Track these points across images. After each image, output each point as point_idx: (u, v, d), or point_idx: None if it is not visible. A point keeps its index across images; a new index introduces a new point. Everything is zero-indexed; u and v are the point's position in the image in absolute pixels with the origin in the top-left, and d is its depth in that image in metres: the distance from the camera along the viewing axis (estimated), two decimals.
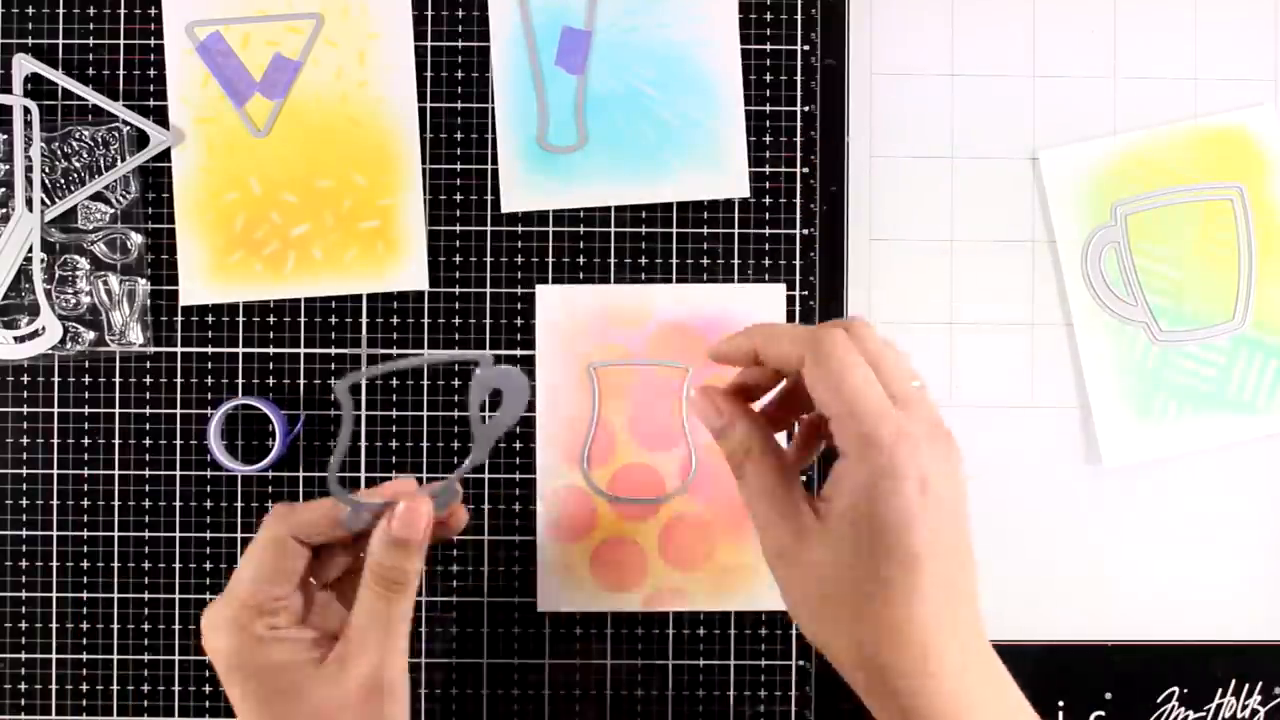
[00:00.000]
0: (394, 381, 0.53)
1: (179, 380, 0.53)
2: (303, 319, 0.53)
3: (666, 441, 0.53)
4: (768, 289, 0.53)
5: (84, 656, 0.53)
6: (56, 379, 0.53)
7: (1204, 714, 0.54)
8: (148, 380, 0.53)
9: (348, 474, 0.53)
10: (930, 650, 0.34)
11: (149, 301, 0.53)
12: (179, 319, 0.53)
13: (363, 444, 0.53)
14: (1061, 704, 0.54)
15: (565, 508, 0.53)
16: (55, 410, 0.53)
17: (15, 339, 0.52)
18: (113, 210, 0.53)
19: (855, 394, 0.35)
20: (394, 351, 0.53)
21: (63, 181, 0.53)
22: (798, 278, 0.53)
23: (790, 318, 0.53)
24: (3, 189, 0.52)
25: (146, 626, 0.53)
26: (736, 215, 0.54)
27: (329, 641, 0.40)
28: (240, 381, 0.53)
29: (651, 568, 0.53)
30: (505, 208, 0.53)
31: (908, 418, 0.35)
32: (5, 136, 0.52)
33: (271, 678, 0.38)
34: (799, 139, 0.54)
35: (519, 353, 0.53)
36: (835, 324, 0.37)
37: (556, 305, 0.53)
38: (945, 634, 0.35)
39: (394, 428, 0.53)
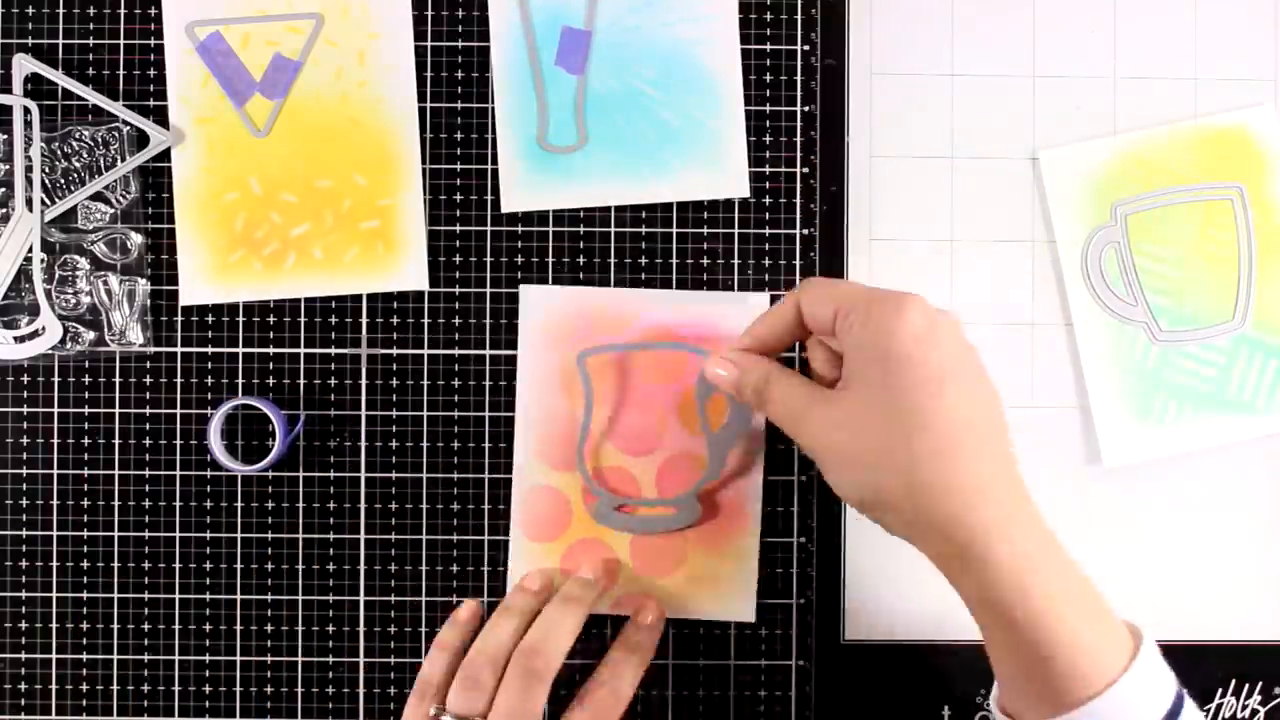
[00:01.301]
0: (394, 382, 0.53)
1: (179, 380, 0.53)
2: (303, 319, 0.53)
3: (645, 447, 0.53)
4: (754, 297, 0.53)
5: (84, 656, 0.53)
6: (56, 379, 0.53)
7: (1204, 714, 0.54)
8: (148, 380, 0.53)
9: (349, 474, 0.53)
10: (966, 470, 0.38)
11: (149, 301, 0.53)
12: (179, 319, 0.53)
13: (363, 444, 0.53)
14: None
15: (539, 508, 0.53)
16: (55, 410, 0.53)
17: (15, 339, 0.52)
18: (113, 210, 0.53)
19: (848, 292, 0.42)
20: (394, 352, 0.53)
21: (63, 181, 0.53)
22: (798, 278, 0.53)
23: None
24: (3, 189, 0.52)
25: (146, 626, 0.53)
26: (736, 215, 0.54)
27: None
28: (240, 381, 0.53)
29: (621, 572, 0.53)
30: (505, 208, 0.53)
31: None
32: (5, 136, 0.52)
33: None
34: (799, 139, 0.54)
35: (517, 353, 0.53)
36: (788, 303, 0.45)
37: (540, 305, 0.53)
38: (981, 459, 0.39)
39: (394, 428, 0.53)
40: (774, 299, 0.53)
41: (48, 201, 0.52)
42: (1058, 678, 0.38)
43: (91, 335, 0.53)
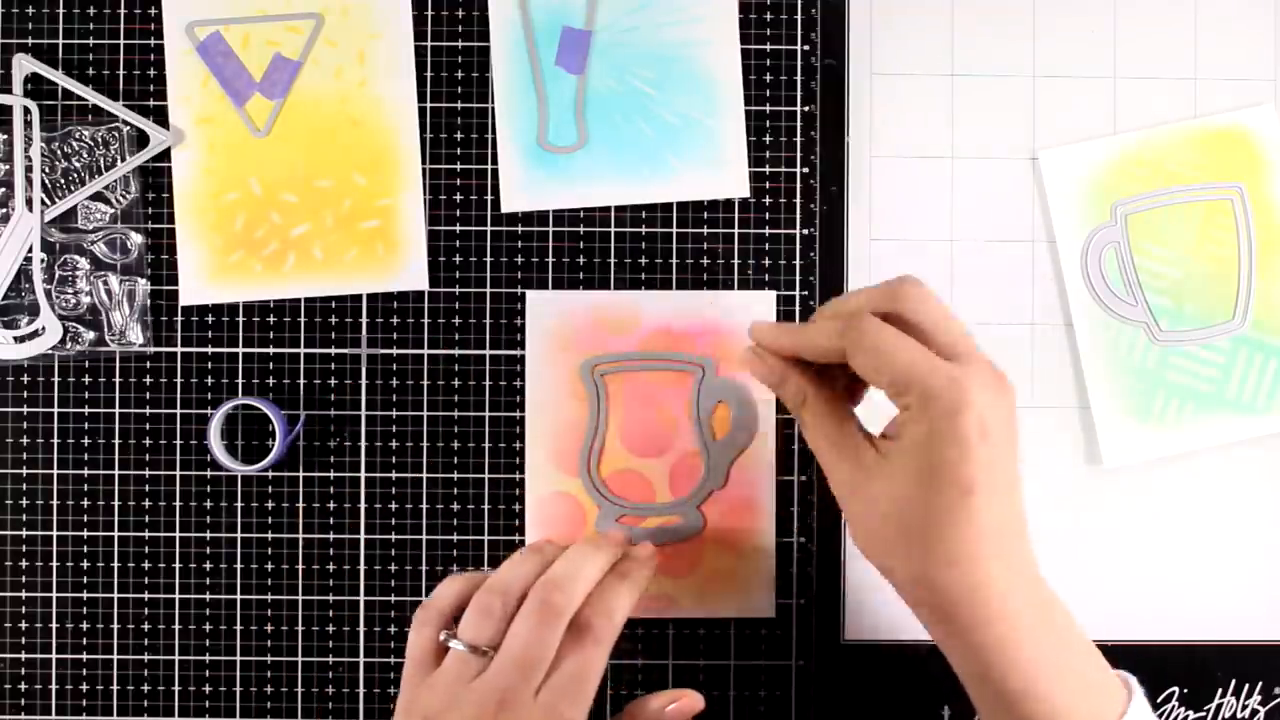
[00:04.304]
0: (394, 382, 0.53)
1: (179, 380, 0.53)
2: (303, 319, 0.53)
3: (655, 448, 0.53)
4: (758, 294, 0.53)
5: (84, 656, 0.53)
6: (56, 379, 0.53)
7: (1204, 714, 0.54)
8: (148, 380, 0.53)
9: (349, 474, 0.53)
10: (979, 572, 0.38)
11: (149, 301, 0.53)
12: (179, 319, 0.53)
13: (363, 444, 0.53)
14: None
15: (554, 513, 0.53)
16: (55, 410, 0.53)
17: (15, 339, 0.52)
18: (113, 210, 0.53)
19: (903, 370, 0.39)
20: (394, 352, 0.53)
21: (63, 181, 0.53)
22: (798, 278, 0.53)
23: (783, 318, 0.53)
24: (3, 189, 0.52)
25: (146, 626, 0.53)
26: (736, 215, 0.54)
27: None
28: (240, 381, 0.53)
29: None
30: (505, 208, 0.53)
31: (961, 368, 0.39)
32: (5, 136, 0.52)
33: None
34: (799, 139, 0.54)
35: (518, 352, 0.53)
36: (873, 297, 0.41)
37: (546, 310, 0.53)
38: (994, 558, 0.38)
39: (394, 428, 0.53)
40: (778, 299, 0.53)
41: (48, 201, 0.52)
42: None
43: (91, 335, 0.53)
